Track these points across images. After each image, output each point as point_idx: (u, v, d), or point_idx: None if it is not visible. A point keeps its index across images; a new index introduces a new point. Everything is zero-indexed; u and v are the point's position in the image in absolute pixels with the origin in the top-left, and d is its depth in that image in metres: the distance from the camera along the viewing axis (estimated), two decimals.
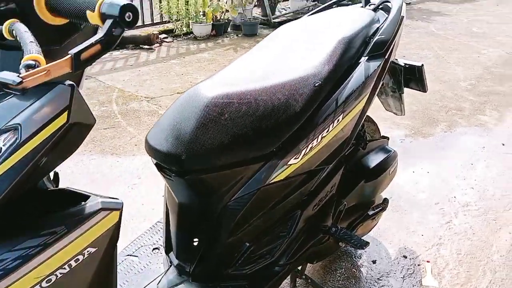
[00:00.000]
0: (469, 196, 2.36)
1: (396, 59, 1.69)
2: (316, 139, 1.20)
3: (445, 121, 3.26)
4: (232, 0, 5.78)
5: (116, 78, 4.14)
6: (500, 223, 2.14)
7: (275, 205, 1.21)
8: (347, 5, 1.75)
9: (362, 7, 1.61)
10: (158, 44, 5.23)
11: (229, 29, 5.91)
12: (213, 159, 1.08)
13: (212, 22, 5.57)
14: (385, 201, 1.64)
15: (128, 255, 1.39)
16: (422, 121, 3.27)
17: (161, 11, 5.58)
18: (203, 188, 1.12)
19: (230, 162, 1.10)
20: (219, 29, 5.63)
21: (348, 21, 1.42)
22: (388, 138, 1.72)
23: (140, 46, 5.12)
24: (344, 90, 1.26)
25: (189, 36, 5.62)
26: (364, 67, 1.31)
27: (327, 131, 1.23)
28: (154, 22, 5.58)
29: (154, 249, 1.40)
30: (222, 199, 1.14)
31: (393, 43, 1.41)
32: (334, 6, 1.69)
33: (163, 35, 5.49)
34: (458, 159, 2.73)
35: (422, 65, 1.65)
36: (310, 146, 1.19)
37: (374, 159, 1.54)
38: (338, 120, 1.25)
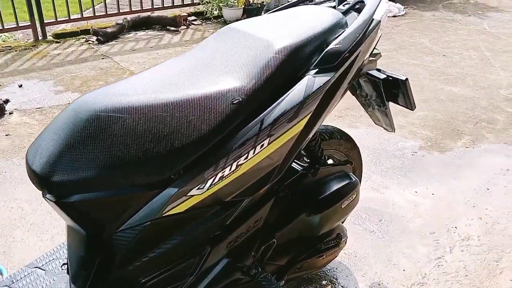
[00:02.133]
0: (474, 228, 2.05)
1: (379, 70, 1.44)
2: (229, 167, 1.00)
3: (470, 134, 2.89)
4: None
5: (131, 59, 4.06)
6: (503, 266, 1.83)
7: (175, 240, 1.03)
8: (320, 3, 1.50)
9: (334, 6, 1.36)
10: (185, 27, 5.10)
11: (262, 13, 5.67)
12: (90, 184, 0.91)
13: (243, 6, 5.36)
14: (338, 236, 1.41)
15: (36, 267, 1.28)
16: (443, 132, 2.92)
17: None
18: (81, 215, 0.96)
19: (113, 188, 0.93)
20: (250, 14, 5.40)
21: (304, 24, 1.18)
22: (351, 163, 1.47)
23: (167, 27, 5.02)
24: (274, 110, 1.04)
25: (219, 20, 5.45)
26: (307, 83, 1.08)
27: (246, 158, 1.02)
28: (185, 3, 5.44)
29: (63, 264, 1.27)
30: (107, 229, 0.97)
31: (355, 54, 1.16)
32: (300, 4, 1.45)
33: (192, 18, 5.35)
34: (473, 181, 2.39)
35: (407, 79, 1.39)
36: (220, 175, 1.00)
37: (324, 189, 1.30)
38: (262, 145, 1.03)
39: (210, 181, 0.99)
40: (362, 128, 2.93)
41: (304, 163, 1.36)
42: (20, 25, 4.38)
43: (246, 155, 1.02)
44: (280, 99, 1.06)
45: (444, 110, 3.23)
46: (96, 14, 4.80)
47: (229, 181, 1.02)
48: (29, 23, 4.39)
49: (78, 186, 0.91)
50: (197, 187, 0.98)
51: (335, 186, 1.31)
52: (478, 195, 2.28)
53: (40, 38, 4.50)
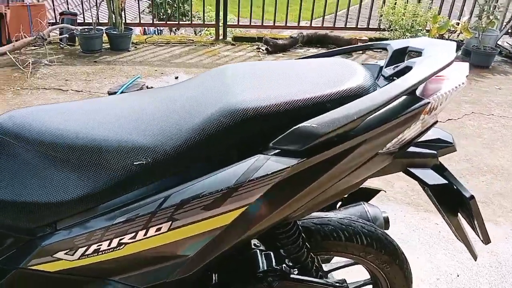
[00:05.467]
0: None
1: (441, 169, 0.96)
2: (107, 242, 0.77)
3: None
4: (469, 19, 4.70)
5: None
6: None
7: None
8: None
9: (383, 66, 0.96)
10: (360, 51, 4.77)
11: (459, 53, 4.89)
12: None
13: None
14: None
15: None
16: None
17: (381, 17, 5.03)
18: None
19: None
20: None
21: (304, 84, 0.85)
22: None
23: None
24: (187, 189, 0.76)
25: None
26: (251, 165, 0.75)
27: (133, 238, 0.77)
28: (370, 27, 5.09)
29: None
30: None
31: (351, 142, 0.76)
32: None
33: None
34: None
35: (472, 197, 0.89)
36: (94, 247, 0.78)
37: None
38: (158, 229, 0.77)
39: (81, 250, 0.78)
40: (506, 226, 2.17)
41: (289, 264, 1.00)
42: (205, 23, 4.79)
43: (134, 234, 0.77)
44: (204, 176, 0.76)
45: None
46: (275, 24, 4.90)
47: (108, 259, 0.79)
48: (214, 23, 4.76)
49: None
50: (66, 251, 0.79)
51: None
52: None
53: (220, 38, 4.84)
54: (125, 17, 4.48)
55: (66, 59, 3.99)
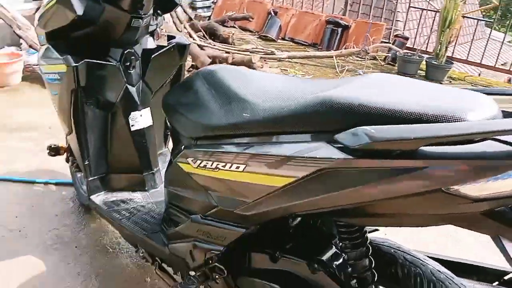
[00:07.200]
0: None
1: None
2: (210, 162, 1.05)
3: None
4: None
5: None
6: None
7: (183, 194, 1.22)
8: None
9: None
10: None
11: None
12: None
13: None
14: None
15: None
16: None
17: None
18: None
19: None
20: None
21: (418, 100, 0.84)
22: None
23: None
24: (264, 145, 0.93)
25: None
26: (312, 146, 0.84)
27: (223, 167, 1.02)
28: None
29: None
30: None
31: (421, 163, 0.73)
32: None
33: None
34: None
35: None
36: (204, 163, 1.06)
37: None
38: (237, 167, 0.97)
39: (198, 162, 1.09)
40: None
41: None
42: None
43: (224, 164, 1.01)
44: (278, 142, 0.92)
45: None
46: None
47: (209, 175, 1.06)
48: None
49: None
50: (192, 159, 1.12)
51: None
52: None
53: None
54: (453, 51, 4.43)
55: None
